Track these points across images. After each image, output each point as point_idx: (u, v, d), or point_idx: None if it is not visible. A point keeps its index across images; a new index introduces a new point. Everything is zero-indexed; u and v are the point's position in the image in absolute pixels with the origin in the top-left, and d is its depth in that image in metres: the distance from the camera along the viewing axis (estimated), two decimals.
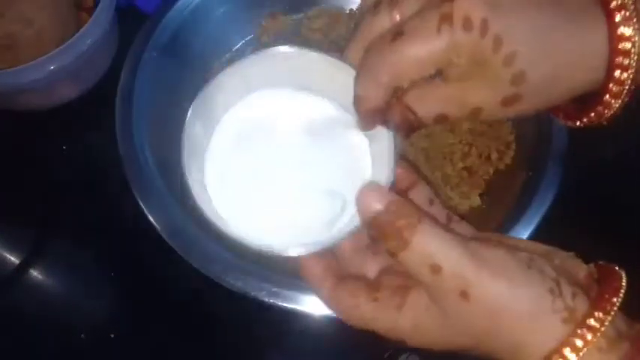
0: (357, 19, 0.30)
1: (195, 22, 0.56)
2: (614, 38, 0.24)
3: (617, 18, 0.24)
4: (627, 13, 0.24)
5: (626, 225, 0.54)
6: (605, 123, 0.28)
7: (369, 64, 0.26)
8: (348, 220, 0.29)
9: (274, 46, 0.30)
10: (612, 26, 0.24)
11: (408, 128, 0.27)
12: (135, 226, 0.45)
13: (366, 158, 0.30)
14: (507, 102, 0.25)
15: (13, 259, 0.50)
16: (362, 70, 0.26)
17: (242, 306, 0.45)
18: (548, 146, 0.48)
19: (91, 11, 0.54)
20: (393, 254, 0.25)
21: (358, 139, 0.30)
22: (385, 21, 0.26)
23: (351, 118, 0.29)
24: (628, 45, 0.24)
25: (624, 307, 0.24)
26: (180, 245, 0.43)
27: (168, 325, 0.49)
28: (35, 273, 0.51)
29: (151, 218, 0.44)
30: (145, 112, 0.49)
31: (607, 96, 0.26)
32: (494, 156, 0.53)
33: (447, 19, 0.24)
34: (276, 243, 0.28)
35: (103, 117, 0.48)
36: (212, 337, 0.48)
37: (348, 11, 0.63)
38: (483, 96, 0.25)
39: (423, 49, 0.24)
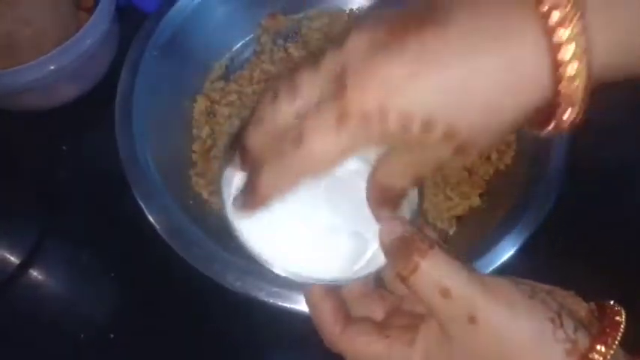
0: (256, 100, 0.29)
1: (195, 22, 0.56)
2: (551, 49, 0.20)
3: (552, 21, 0.20)
4: (561, 14, 0.20)
5: (627, 224, 0.54)
6: (578, 127, 0.25)
7: (280, 169, 0.25)
8: (365, 263, 0.29)
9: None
10: (548, 34, 0.20)
11: (392, 203, 0.27)
12: (135, 227, 0.45)
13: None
14: (457, 153, 0.23)
15: (13, 259, 0.50)
16: (278, 171, 0.25)
17: (242, 306, 0.45)
18: (548, 146, 0.48)
19: (90, 11, 0.54)
20: (403, 278, 0.25)
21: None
22: (285, 109, 0.25)
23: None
24: (569, 52, 0.20)
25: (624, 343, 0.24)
26: (180, 245, 0.43)
27: (168, 325, 0.49)
28: (35, 273, 0.51)
29: (150, 218, 0.44)
30: (145, 112, 0.49)
31: (561, 108, 0.23)
32: (494, 156, 0.53)
33: (343, 118, 0.22)
34: (298, 274, 0.29)
35: (103, 117, 0.48)
36: (212, 337, 0.48)
37: (348, 11, 0.63)
38: (427, 161, 0.24)
39: (324, 152, 0.23)
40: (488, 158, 0.53)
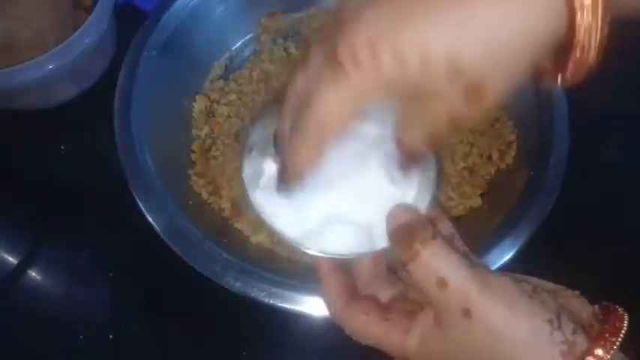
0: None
1: (195, 21, 0.55)
2: None
3: None
4: None
5: (628, 225, 0.54)
6: (593, 72, 0.24)
7: (304, 140, 0.26)
8: (382, 244, 0.30)
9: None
10: None
11: (412, 159, 0.28)
12: (134, 227, 0.44)
13: (413, 188, 0.32)
14: (471, 98, 0.22)
15: (13, 260, 0.50)
16: (297, 142, 0.26)
17: (242, 307, 0.44)
18: (549, 146, 0.48)
19: (89, 10, 0.54)
20: (403, 264, 0.26)
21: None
22: (302, 85, 0.27)
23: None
24: None
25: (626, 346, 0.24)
26: (179, 246, 0.43)
27: (167, 326, 0.49)
28: (34, 273, 0.51)
29: (149, 218, 0.44)
30: (144, 111, 0.49)
31: (577, 47, 0.22)
32: (495, 156, 0.53)
33: (337, 69, 0.23)
34: (317, 246, 0.30)
35: (102, 117, 0.48)
36: (212, 337, 0.48)
37: None
38: (440, 111, 0.24)
39: (333, 111, 0.24)
40: (490, 158, 0.53)
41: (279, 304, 0.41)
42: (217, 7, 0.57)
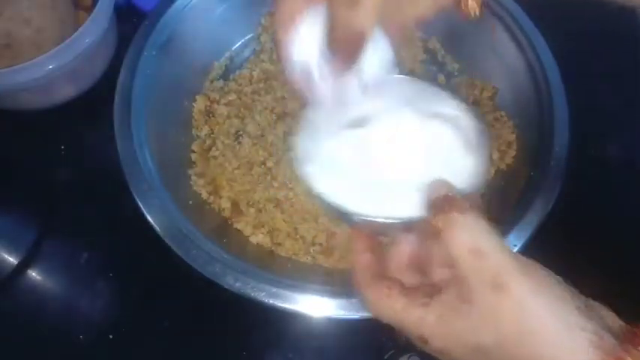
0: None
1: (195, 21, 0.55)
2: None
3: None
4: None
5: (629, 224, 0.54)
6: None
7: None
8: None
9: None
10: None
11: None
12: (134, 227, 0.44)
13: (463, 173, 0.33)
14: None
15: (13, 260, 0.50)
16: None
17: (242, 307, 0.44)
18: (549, 146, 0.48)
19: (89, 10, 0.54)
20: (438, 231, 0.26)
21: (461, 153, 0.33)
22: None
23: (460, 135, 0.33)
24: None
25: None
26: (180, 246, 0.43)
27: (167, 326, 0.49)
28: (34, 273, 0.51)
29: (149, 218, 0.44)
30: (144, 111, 0.49)
31: None
32: (495, 156, 0.53)
33: None
34: (358, 209, 0.31)
35: (102, 116, 0.48)
36: (212, 337, 0.48)
37: None
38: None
39: None
40: (490, 158, 0.53)
41: (279, 304, 0.41)
42: (217, 7, 0.57)
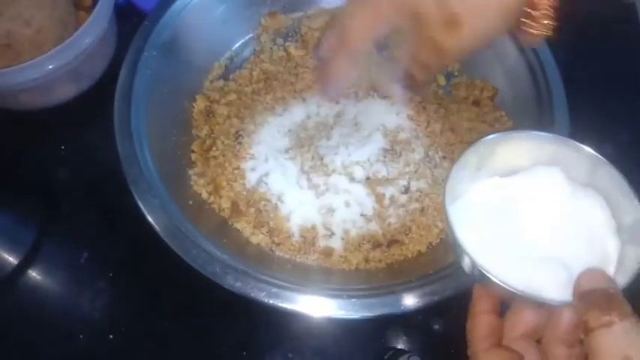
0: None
1: (195, 21, 0.55)
2: None
3: None
4: None
5: None
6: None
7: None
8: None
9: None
10: None
11: (416, 85, 0.37)
12: (134, 227, 0.44)
13: (611, 259, 0.30)
14: (449, 25, 0.30)
15: (13, 260, 0.50)
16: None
17: (242, 307, 0.44)
18: None
19: (89, 10, 0.54)
20: (589, 330, 0.24)
21: (611, 235, 0.31)
22: None
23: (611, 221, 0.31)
24: None
25: None
26: (179, 246, 0.43)
27: (167, 325, 0.49)
28: (34, 273, 0.51)
29: (149, 218, 0.44)
30: (144, 111, 0.49)
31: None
32: None
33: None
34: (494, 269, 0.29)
35: (102, 116, 0.48)
36: (212, 337, 0.48)
37: None
38: (425, 41, 0.33)
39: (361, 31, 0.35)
40: None
41: (279, 304, 0.41)
42: (217, 7, 0.57)
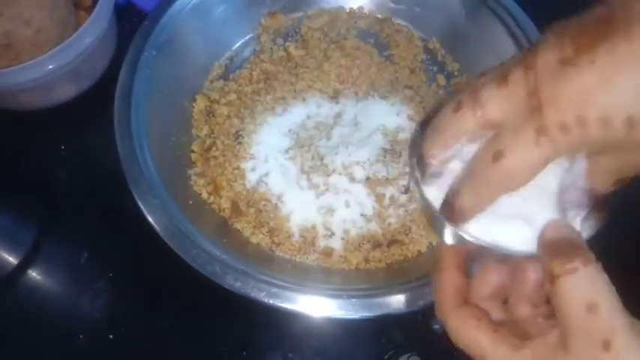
0: (429, 116, 0.30)
1: (194, 21, 0.55)
2: None
3: None
4: None
5: (627, 224, 0.54)
6: None
7: (479, 187, 0.27)
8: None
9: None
10: None
11: (600, 205, 0.29)
12: (134, 227, 0.44)
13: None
14: None
15: (13, 260, 0.50)
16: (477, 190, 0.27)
17: (242, 307, 0.44)
18: None
19: (89, 10, 0.54)
20: (554, 277, 0.25)
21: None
22: (469, 122, 0.26)
23: None
24: None
25: None
26: (180, 246, 0.43)
27: (167, 326, 0.49)
28: (34, 273, 0.51)
29: (149, 218, 0.44)
30: (144, 111, 0.49)
31: None
32: None
33: (542, 131, 0.24)
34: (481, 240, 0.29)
35: (102, 116, 0.48)
36: (212, 337, 0.48)
37: (348, 10, 0.63)
38: (631, 160, 0.26)
39: (526, 164, 0.25)
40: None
41: (279, 304, 0.41)
42: (217, 7, 0.57)
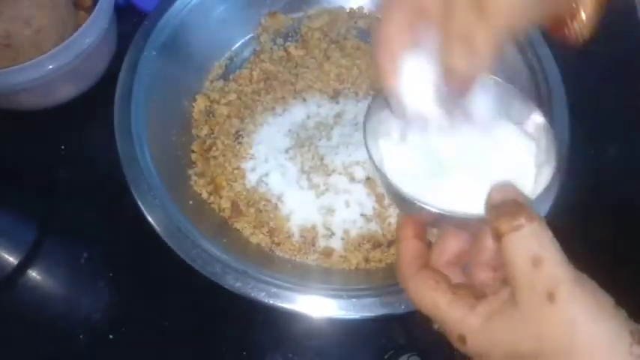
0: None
1: (194, 21, 0.55)
2: None
3: None
4: None
5: (627, 224, 0.54)
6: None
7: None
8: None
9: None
10: None
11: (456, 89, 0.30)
12: (134, 227, 0.44)
13: (529, 176, 0.33)
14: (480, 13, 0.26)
15: (13, 260, 0.50)
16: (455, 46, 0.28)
17: (242, 307, 0.44)
18: None
19: (89, 10, 0.54)
20: (500, 235, 0.25)
21: (527, 159, 0.33)
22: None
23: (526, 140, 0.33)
24: None
25: None
26: (180, 246, 0.43)
27: (167, 326, 0.49)
28: (34, 273, 0.51)
29: (149, 218, 0.44)
30: (144, 111, 0.49)
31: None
32: None
33: None
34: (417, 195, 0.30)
35: (102, 116, 0.48)
36: (212, 337, 0.48)
37: (348, 10, 0.63)
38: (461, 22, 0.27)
39: None
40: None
41: (279, 305, 0.41)
42: (217, 6, 0.57)
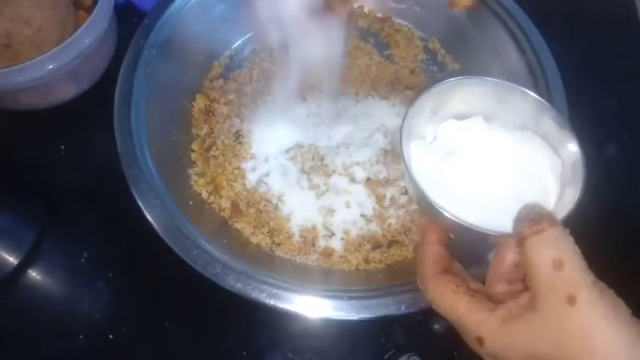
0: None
1: (194, 20, 0.55)
2: None
3: None
4: None
5: (628, 224, 0.54)
6: None
7: None
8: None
9: None
10: None
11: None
12: (134, 227, 0.44)
13: (552, 194, 0.34)
14: None
15: (13, 260, 0.50)
16: None
17: (242, 307, 0.44)
18: None
19: (89, 10, 0.54)
20: (523, 238, 0.26)
21: (554, 179, 0.34)
22: None
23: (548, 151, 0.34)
24: None
25: None
26: (180, 246, 0.43)
27: (167, 325, 0.49)
28: (34, 273, 0.51)
29: (149, 218, 0.44)
30: (144, 111, 0.49)
31: None
32: None
33: None
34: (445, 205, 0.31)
35: (102, 116, 0.48)
36: (212, 338, 0.48)
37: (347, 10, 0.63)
38: None
39: None
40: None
41: (279, 305, 0.41)
42: (217, 5, 0.57)
